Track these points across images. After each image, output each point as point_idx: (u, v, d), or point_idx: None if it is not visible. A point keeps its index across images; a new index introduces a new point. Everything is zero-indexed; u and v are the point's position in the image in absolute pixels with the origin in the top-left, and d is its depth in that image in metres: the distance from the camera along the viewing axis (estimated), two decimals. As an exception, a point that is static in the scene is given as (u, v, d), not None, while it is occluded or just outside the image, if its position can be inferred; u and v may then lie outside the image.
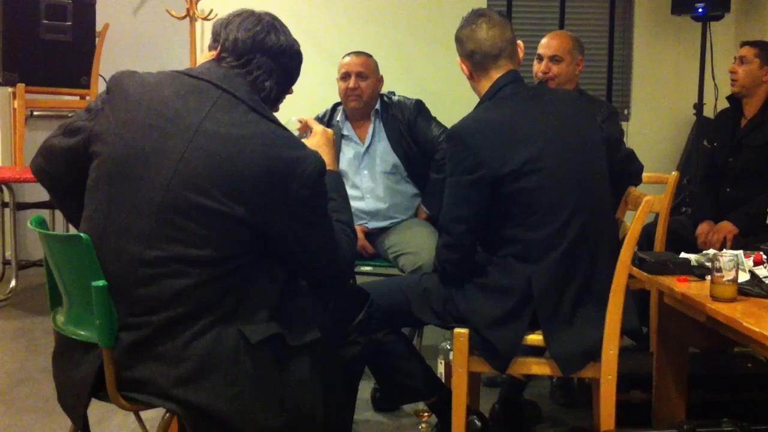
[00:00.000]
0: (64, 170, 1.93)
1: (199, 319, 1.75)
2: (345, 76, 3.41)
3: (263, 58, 1.93)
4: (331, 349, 1.96)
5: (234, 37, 1.93)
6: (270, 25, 1.96)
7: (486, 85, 2.38)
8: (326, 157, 2.10)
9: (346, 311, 2.11)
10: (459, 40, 2.42)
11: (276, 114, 1.96)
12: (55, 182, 1.99)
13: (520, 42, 2.44)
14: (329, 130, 2.20)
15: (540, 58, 3.31)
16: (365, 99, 3.41)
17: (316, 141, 2.15)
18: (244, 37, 1.92)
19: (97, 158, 1.84)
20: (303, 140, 2.14)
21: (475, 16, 2.40)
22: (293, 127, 2.22)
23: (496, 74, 2.37)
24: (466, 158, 2.25)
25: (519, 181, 2.23)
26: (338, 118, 3.50)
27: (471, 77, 2.42)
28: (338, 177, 2.18)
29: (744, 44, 3.72)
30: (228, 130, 1.79)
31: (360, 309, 2.14)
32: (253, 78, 1.91)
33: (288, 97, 2.05)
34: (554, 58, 3.28)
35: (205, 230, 1.75)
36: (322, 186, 1.88)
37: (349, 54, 3.49)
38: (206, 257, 1.75)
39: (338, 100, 3.53)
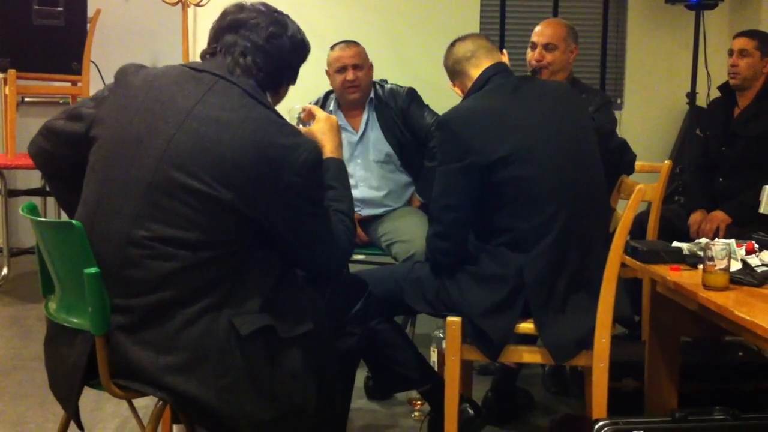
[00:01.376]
0: (63, 151, 1.95)
1: (189, 306, 1.75)
2: (341, 69, 3.38)
3: (231, 36, 1.93)
4: (326, 341, 1.95)
5: (213, 26, 1.99)
6: (239, 6, 1.98)
7: (475, 73, 2.41)
8: (330, 144, 2.12)
9: (343, 302, 2.10)
10: (446, 68, 2.51)
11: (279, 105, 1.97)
12: (51, 163, 2.00)
13: (505, 51, 2.54)
14: (333, 117, 2.19)
15: (534, 46, 3.30)
16: (363, 88, 3.40)
17: (320, 128, 2.15)
18: (218, 22, 1.98)
19: (95, 143, 1.87)
20: (307, 127, 2.15)
21: (450, 44, 2.53)
22: (296, 115, 2.22)
23: (483, 65, 2.41)
24: (456, 146, 2.26)
25: (508, 169, 2.23)
26: (331, 108, 3.48)
27: (463, 86, 2.46)
28: (341, 165, 2.16)
29: (739, 36, 3.68)
30: (219, 114, 1.79)
31: (357, 299, 2.13)
32: (233, 60, 1.90)
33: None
34: (548, 46, 3.26)
35: (191, 212, 1.75)
36: (316, 175, 1.87)
37: (338, 45, 3.43)
38: (193, 240, 1.75)
39: (330, 88, 3.51)
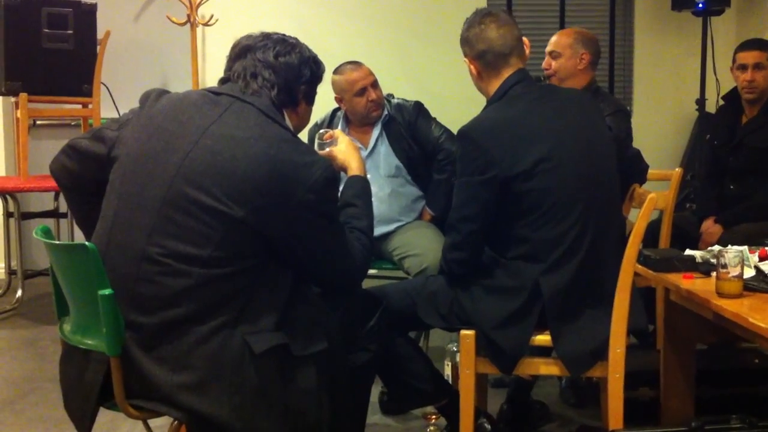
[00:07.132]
0: (84, 169, 2.00)
1: (202, 323, 1.76)
2: (362, 92, 3.33)
3: (241, 61, 1.99)
4: (340, 358, 1.95)
5: (226, 58, 2.06)
6: (247, 35, 2.04)
7: (496, 84, 2.36)
8: (355, 162, 2.22)
9: (358, 317, 2.10)
10: (467, 40, 2.39)
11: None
12: (71, 179, 2.04)
13: (525, 39, 2.44)
14: (349, 139, 2.28)
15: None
16: (382, 105, 3.41)
17: (343, 148, 2.24)
18: (229, 53, 2.05)
19: (116, 162, 1.91)
20: (331, 147, 2.24)
21: (482, 16, 2.38)
22: (320, 140, 2.30)
23: (506, 73, 2.36)
24: (477, 158, 2.23)
25: (530, 181, 2.21)
26: (339, 126, 3.47)
27: (479, 78, 2.40)
28: (365, 183, 2.20)
29: (748, 49, 3.61)
30: (234, 132, 1.83)
31: (371, 315, 2.13)
32: (244, 82, 1.96)
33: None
34: (552, 54, 3.35)
35: (205, 228, 1.76)
36: (330, 192, 1.89)
37: (346, 68, 3.36)
38: (206, 257, 1.76)
39: (336, 105, 3.49)
